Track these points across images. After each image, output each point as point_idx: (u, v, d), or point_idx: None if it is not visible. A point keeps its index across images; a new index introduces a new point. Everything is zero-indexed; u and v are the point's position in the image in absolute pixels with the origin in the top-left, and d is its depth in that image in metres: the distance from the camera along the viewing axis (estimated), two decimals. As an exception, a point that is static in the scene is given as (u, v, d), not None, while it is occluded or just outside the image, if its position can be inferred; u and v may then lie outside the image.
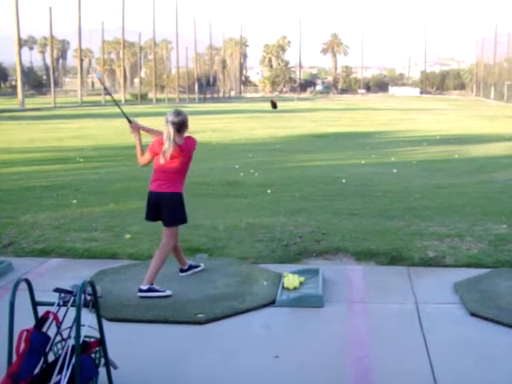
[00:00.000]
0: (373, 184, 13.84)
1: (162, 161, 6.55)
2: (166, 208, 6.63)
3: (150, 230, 8.79)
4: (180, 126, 6.55)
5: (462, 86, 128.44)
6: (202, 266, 7.49)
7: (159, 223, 6.80)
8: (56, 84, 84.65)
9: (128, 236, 8.97)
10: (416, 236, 8.91)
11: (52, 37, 77.42)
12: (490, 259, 7.85)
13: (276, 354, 5.29)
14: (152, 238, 8.62)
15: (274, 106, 56.77)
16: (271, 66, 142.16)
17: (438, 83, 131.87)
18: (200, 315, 6.09)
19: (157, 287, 6.54)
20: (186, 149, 6.60)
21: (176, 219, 6.73)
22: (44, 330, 4.14)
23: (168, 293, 6.54)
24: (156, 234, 7.99)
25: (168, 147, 6.48)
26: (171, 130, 6.48)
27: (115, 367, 4.70)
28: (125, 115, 7.16)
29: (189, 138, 6.69)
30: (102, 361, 4.49)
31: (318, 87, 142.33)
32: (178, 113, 6.60)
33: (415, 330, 5.79)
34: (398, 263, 7.84)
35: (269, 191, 12.91)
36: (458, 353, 5.29)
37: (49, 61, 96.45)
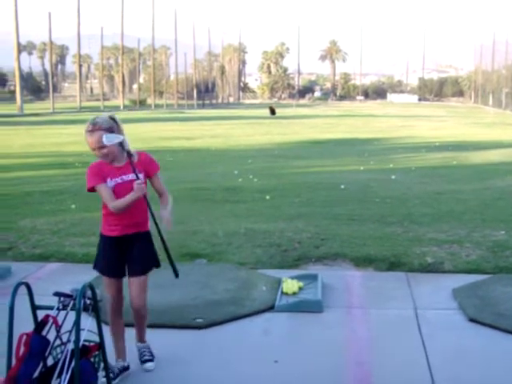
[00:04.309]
0: (371, 190, 13.84)
1: None
2: None
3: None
4: None
5: (460, 93, 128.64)
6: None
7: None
8: (55, 89, 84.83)
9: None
10: (415, 242, 8.92)
11: (51, 42, 77.59)
12: (489, 265, 7.85)
13: (275, 359, 5.29)
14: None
15: (273, 112, 56.98)
16: (270, 73, 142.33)
17: (436, 90, 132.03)
18: (199, 320, 6.09)
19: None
20: None
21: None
22: (43, 333, 4.14)
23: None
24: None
25: None
26: None
27: (114, 372, 4.71)
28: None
29: None
30: (102, 365, 4.49)
31: (317, 94, 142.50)
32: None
33: (414, 335, 5.79)
34: (396, 269, 7.84)
35: (268, 197, 12.91)
36: (456, 358, 5.29)
37: (48, 66, 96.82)
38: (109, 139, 4.57)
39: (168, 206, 5.01)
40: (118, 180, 4.74)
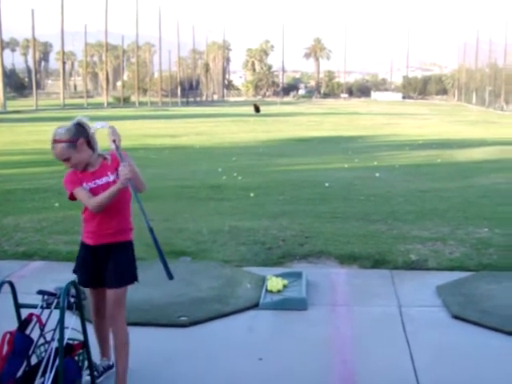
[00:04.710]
0: (356, 188, 13.88)
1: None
2: None
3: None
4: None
5: (443, 92, 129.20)
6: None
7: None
8: (38, 86, 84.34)
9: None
10: (399, 239, 8.95)
11: (34, 39, 77.15)
12: (472, 262, 7.89)
13: (259, 357, 5.29)
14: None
15: (257, 109, 56.98)
16: (254, 70, 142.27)
17: (420, 88, 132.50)
18: (183, 318, 6.08)
19: None
20: None
21: None
22: (27, 332, 4.12)
23: None
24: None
25: None
26: None
27: (98, 370, 4.69)
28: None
29: None
30: (86, 363, 4.48)
31: (301, 91, 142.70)
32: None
33: (398, 332, 5.81)
34: (381, 266, 7.86)
35: (252, 195, 12.91)
36: (441, 356, 5.31)
37: (31, 63, 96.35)
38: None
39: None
40: (92, 185, 4.50)
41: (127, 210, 4.66)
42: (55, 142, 4.38)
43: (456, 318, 6.12)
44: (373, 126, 37.89)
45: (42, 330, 4.15)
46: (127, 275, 4.62)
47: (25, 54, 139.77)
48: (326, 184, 14.22)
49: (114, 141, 4.35)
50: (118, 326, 4.58)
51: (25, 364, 4.15)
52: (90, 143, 4.48)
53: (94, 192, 4.46)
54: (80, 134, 4.41)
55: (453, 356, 5.33)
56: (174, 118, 47.23)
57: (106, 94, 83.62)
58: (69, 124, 4.44)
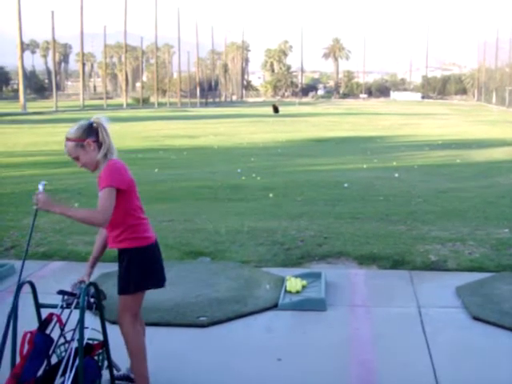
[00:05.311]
0: (374, 188, 13.85)
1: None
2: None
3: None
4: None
5: (463, 91, 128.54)
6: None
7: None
8: (58, 88, 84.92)
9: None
10: (418, 240, 8.91)
11: (54, 41, 77.69)
12: (492, 263, 7.84)
13: (278, 358, 5.29)
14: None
15: (276, 110, 57.00)
16: (273, 71, 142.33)
17: (439, 88, 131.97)
18: (202, 318, 6.09)
19: None
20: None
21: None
22: (47, 332, 4.14)
23: None
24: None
25: None
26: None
27: (118, 370, 4.71)
28: None
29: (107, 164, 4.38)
30: (105, 363, 4.50)
31: (320, 92, 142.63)
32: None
33: (417, 333, 5.78)
34: (400, 267, 7.83)
35: (271, 195, 12.91)
36: (460, 357, 5.29)
37: (51, 65, 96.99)
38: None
39: (66, 207, 4.35)
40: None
41: (126, 219, 4.41)
42: (66, 139, 4.38)
43: (476, 318, 6.09)
44: (392, 126, 37.76)
45: (62, 329, 4.17)
46: (122, 285, 4.48)
47: (45, 56, 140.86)
48: (345, 184, 14.19)
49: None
50: (123, 331, 4.52)
51: (45, 363, 4.18)
52: (101, 145, 4.36)
53: None
54: (88, 135, 4.35)
55: (472, 357, 5.30)
56: (193, 119, 47.37)
57: (125, 95, 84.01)
58: (82, 122, 4.42)
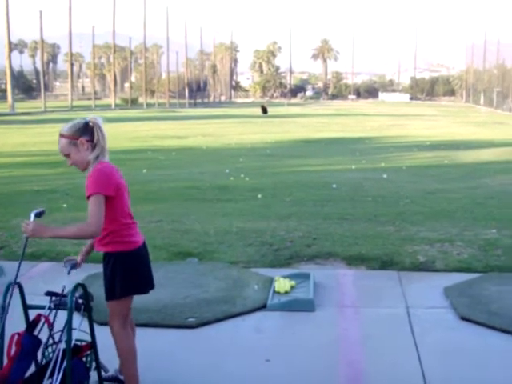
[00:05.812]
0: (363, 189, 13.87)
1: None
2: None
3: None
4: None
5: (451, 93, 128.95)
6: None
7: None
8: (46, 88, 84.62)
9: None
10: (406, 241, 8.94)
11: (42, 41, 77.47)
12: (480, 264, 7.87)
13: (267, 358, 5.29)
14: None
15: (265, 111, 56.95)
16: (262, 72, 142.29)
17: (427, 89, 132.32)
18: (191, 319, 6.08)
19: None
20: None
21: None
22: (35, 333, 4.13)
23: None
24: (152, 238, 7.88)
25: None
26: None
27: (106, 371, 4.69)
28: None
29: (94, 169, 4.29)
30: (94, 364, 4.48)
31: (309, 93, 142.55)
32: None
33: (406, 334, 5.80)
34: (388, 268, 7.84)
35: (259, 196, 12.92)
36: (449, 357, 5.30)
37: (39, 65, 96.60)
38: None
39: (56, 228, 4.44)
40: None
41: (112, 223, 4.31)
42: (60, 136, 4.33)
43: (464, 319, 6.11)
44: (380, 127, 37.84)
45: (50, 330, 4.15)
46: (107, 290, 4.43)
47: (33, 56, 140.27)
48: (334, 185, 14.21)
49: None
50: (113, 333, 4.47)
51: (33, 365, 4.17)
52: (95, 146, 4.31)
53: None
54: (82, 133, 4.30)
55: (460, 357, 5.31)
56: (182, 120, 47.30)
57: (113, 96, 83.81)
58: (78, 120, 4.38)
